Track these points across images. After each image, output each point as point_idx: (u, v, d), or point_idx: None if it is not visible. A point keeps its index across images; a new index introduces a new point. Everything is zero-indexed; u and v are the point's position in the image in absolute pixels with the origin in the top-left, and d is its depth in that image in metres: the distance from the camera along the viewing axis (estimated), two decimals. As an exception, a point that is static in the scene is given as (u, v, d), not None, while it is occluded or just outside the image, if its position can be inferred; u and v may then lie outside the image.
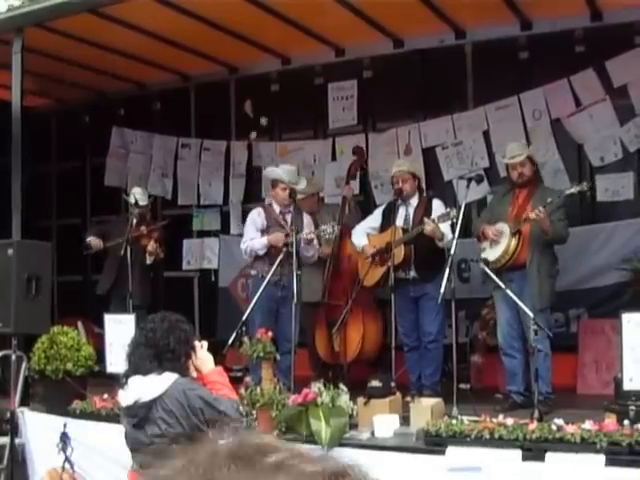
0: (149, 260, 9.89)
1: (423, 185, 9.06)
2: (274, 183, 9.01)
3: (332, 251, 9.51)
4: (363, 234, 8.96)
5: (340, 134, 11.13)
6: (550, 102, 9.71)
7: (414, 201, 8.73)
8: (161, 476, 1.11)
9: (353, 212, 9.74)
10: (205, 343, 4.65)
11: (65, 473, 7.37)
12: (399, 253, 8.38)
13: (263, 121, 11.81)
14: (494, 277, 7.39)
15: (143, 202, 10.11)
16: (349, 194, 9.81)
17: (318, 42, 10.48)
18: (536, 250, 7.75)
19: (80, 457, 7.36)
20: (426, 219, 8.19)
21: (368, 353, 9.37)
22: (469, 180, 7.83)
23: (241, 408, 4.51)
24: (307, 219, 9.04)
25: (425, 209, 8.59)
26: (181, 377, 4.41)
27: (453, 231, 7.91)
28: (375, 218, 9.01)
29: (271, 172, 9.15)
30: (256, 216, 9.03)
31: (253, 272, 9.01)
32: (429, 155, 10.37)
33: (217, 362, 4.64)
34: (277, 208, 9.01)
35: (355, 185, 10.55)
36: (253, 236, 8.90)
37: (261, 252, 8.80)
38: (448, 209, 8.08)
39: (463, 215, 7.61)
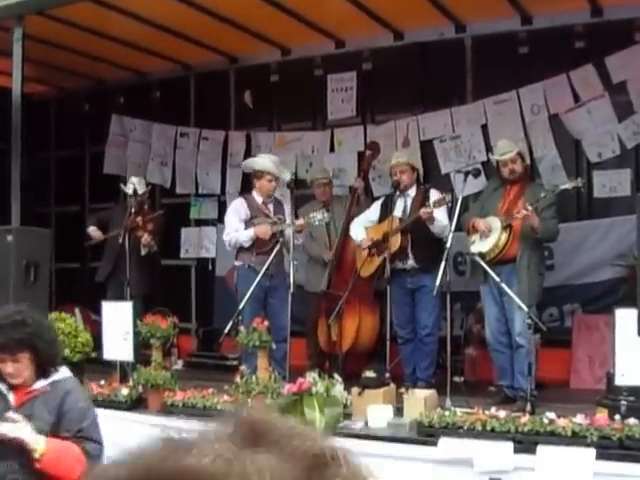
0: (143, 252, 9.90)
1: (421, 177, 9.05)
2: (259, 174, 8.98)
3: (337, 242, 9.54)
4: (361, 227, 9.00)
5: (339, 126, 11.15)
6: (549, 97, 9.73)
7: (412, 192, 8.76)
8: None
9: (362, 204, 9.75)
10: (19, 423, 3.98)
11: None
12: (395, 242, 8.42)
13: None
14: (490, 271, 7.42)
15: (140, 191, 10.10)
16: (360, 186, 9.83)
17: (318, 33, 10.49)
18: (527, 246, 7.78)
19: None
20: (423, 209, 8.22)
21: (363, 345, 9.41)
22: (466, 174, 7.87)
23: None
24: (287, 208, 8.99)
25: (423, 200, 8.61)
26: None
27: (449, 217, 7.94)
28: (373, 211, 9.05)
29: (256, 163, 9.10)
30: (239, 206, 9.02)
31: (238, 263, 9.00)
32: (427, 148, 10.40)
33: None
34: (259, 199, 9.00)
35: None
36: (237, 227, 8.88)
37: (246, 244, 8.79)
38: (444, 194, 8.11)
39: (460, 208, 7.63)
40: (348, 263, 9.50)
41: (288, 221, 8.58)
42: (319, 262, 9.65)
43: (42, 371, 4.19)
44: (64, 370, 4.31)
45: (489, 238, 7.85)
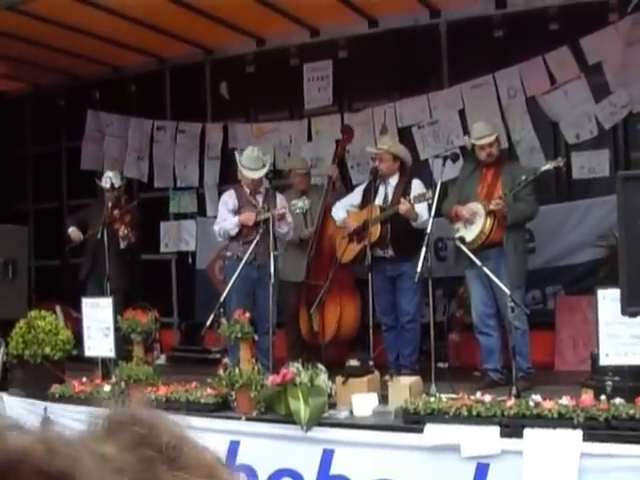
0: (122, 245, 9.85)
1: (409, 165, 8.98)
2: (239, 168, 9.00)
3: (315, 230, 9.53)
4: (343, 210, 9.01)
5: (316, 115, 11.11)
6: (525, 80, 9.71)
7: (393, 180, 8.74)
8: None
9: (338, 191, 9.75)
10: None
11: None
12: (375, 231, 8.40)
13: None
14: (472, 256, 7.39)
15: (117, 184, 10.03)
16: (335, 173, 9.85)
17: (293, 23, 10.46)
18: (511, 228, 7.78)
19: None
20: (402, 199, 8.21)
21: (346, 334, 9.42)
22: (445, 159, 7.84)
23: None
24: (280, 198, 9.01)
25: (404, 189, 8.59)
26: None
27: (429, 211, 7.92)
28: (355, 196, 9.04)
29: (236, 157, 9.09)
30: (227, 198, 9.03)
31: (228, 253, 9.00)
32: (405, 134, 10.35)
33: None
34: (247, 189, 9.00)
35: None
36: (225, 217, 8.90)
37: (233, 232, 8.78)
38: (424, 190, 8.09)
39: (439, 194, 7.61)
40: (326, 251, 9.50)
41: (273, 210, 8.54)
42: (297, 249, 9.60)
43: None
44: None
45: (474, 225, 7.83)
